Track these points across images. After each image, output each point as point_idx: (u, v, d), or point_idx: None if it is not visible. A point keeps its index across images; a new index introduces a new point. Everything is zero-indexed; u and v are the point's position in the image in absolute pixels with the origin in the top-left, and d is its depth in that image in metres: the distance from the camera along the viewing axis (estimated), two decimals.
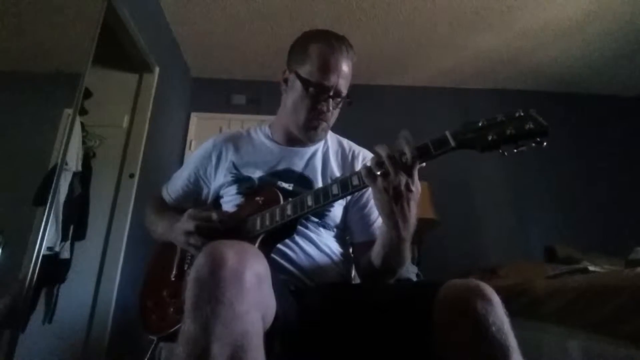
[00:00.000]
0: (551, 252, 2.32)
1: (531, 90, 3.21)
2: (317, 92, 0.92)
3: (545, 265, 2.11)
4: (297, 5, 2.38)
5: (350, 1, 2.34)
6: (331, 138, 1.09)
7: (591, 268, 1.65)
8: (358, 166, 1.01)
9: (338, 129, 1.10)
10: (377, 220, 0.96)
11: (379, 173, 0.71)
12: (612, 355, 1.15)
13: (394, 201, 0.72)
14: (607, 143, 3.08)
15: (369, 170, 0.73)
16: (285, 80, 1.00)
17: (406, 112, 3.16)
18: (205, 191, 1.07)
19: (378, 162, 0.71)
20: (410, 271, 2.16)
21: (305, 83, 0.92)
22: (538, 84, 3.14)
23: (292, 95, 0.96)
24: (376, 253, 0.85)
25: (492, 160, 2.75)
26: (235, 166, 1.01)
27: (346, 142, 1.10)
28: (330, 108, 0.94)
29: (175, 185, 1.12)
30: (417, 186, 0.73)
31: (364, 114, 2.85)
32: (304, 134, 0.97)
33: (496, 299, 0.62)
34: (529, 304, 1.53)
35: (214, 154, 1.04)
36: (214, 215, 0.85)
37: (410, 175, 0.71)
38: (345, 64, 0.93)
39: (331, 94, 0.92)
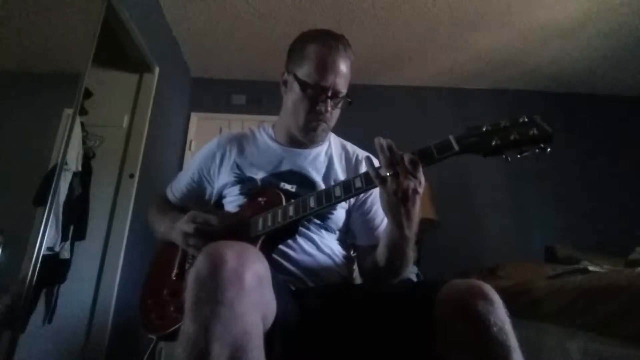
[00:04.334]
0: (551, 252, 2.33)
1: (531, 90, 3.21)
2: (316, 93, 0.92)
3: (545, 265, 2.11)
4: (297, 5, 2.38)
5: (350, 1, 2.34)
6: (334, 141, 1.09)
7: (591, 268, 1.65)
8: (362, 169, 1.01)
9: (338, 128, 1.10)
10: (381, 225, 0.96)
11: (389, 174, 0.71)
12: (612, 355, 1.15)
13: (401, 203, 0.72)
14: (607, 143, 3.08)
15: (378, 171, 0.72)
16: (285, 82, 1.00)
17: (406, 112, 3.16)
18: (209, 191, 1.07)
19: (388, 164, 0.71)
20: (410, 271, 2.16)
21: (303, 85, 0.92)
22: (538, 84, 3.14)
23: (291, 97, 0.96)
24: (380, 254, 0.85)
25: (493, 160, 2.75)
26: (238, 166, 1.01)
27: (350, 146, 1.10)
28: (329, 109, 0.93)
29: (179, 185, 1.12)
30: (422, 186, 0.73)
31: (364, 114, 2.85)
32: (304, 135, 0.97)
33: (497, 299, 0.62)
34: (529, 304, 1.53)
35: (218, 154, 1.04)
36: (213, 219, 0.85)
37: (417, 178, 0.71)
38: (343, 63, 0.92)
39: (329, 94, 0.92)
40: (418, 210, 0.75)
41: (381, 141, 0.72)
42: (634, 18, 2.36)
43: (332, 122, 0.99)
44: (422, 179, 0.72)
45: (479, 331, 0.58)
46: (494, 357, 0.56)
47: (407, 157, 0.70)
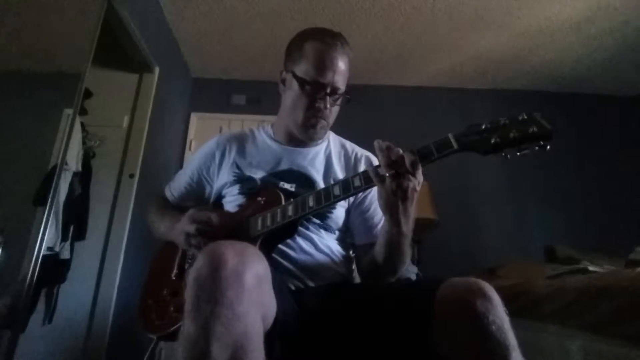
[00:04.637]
0: (551, 252, 2.32)
1: (531, 90, 3.20)
2: (314, 90, 0.92)
3: (545, 265, 2.11)
4: (297, 6, 2.38)
5: (350, 1, 2.34)
6: (333, 140, 1.09)
7: (591, 268, 1.65)
8: (361, 168, 1.01)
9: (338, 128, 1.10)
10: (380, 222, 0.96)
11: (388, 174, 0.71)
12: (612, 355, 1.15)
13: (400, 201, 0.72)
14: (607, 143, 3.08)
15: (377, 171, 0.73)
16: (283, 81, 1.00)
17: (406, 112, 3.16)
18: (208, 190, 1.07)
19: (388, 164, 0.70)
20: (410, 271, 2.16)
21: (302, 82, 0.92)
22: (538, 84, 3.14)
23: (290, 95, 0.96)
24: (378, 251, 0.85)
25: (493, 160, 2.75)
26: (237, 166, 1.01)
27: (349, 144, 1.10)
28: (328, 105, 0.93)
29: (178, 184, 1.12)
30: (420, 184, 0.73)
31: (364, 114, 2.85)
32: (304, 132, 0.97)
33: (496, 298, 0.62)
34: (529, 304, 1.53)
35: (217, 153, 1.04)
36: (214, 218, 0.85)
37: (417, 177, 0.71)
38: (341, 60, 0.92)
39: (328, 91, 0.92)
40: (415, 206, 0.76)
41: (380, 143, 0.72)
42: (634, 18, 2.36)
43: (331, 119, 0.99)
44: (421, 178, 0.72)
45: (478, 330, 0.58)
46: (493, 356, 0.57)
47: (407, 158, 0.70)
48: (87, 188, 2.06)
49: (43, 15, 1.55)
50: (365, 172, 0.76)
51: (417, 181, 0.71)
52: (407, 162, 0.69)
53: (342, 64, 0.92)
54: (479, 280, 0.65)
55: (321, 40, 0.92)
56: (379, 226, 0.96)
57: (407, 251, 0.83)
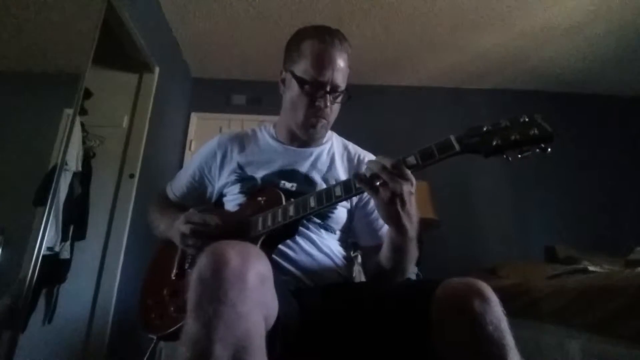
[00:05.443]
0: (551, 252, 2.33)
1: (531, 90, 3.21)
2: (313, 89, 0.91)
3: (545, 265, 2.11)
4: (297, 6, 2.38)
5: (351, 1, 2.34)
6: (336, 141, 1.09)
7: (591, 268, 1.65)
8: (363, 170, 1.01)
9: (338, 128, 1.10)
10: (385, 224, 0.96)
11: (378, 184, 0.71)
12: (612, 355, 1.15)
13: (400, 207, 0.71)
14: (607, 143, 3.08)
15: (368, 182, 0.72)
16: (283, 81, 1.00)
17: (406, 112, 3.16)
18: (209, 189, 1.07)
19: (373, 174, 0.71)
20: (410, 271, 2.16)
21: (301, 81, 0.91)
22: (538, 84, 3.14)
23: (290, 95, 0.96)
24: (385, 257, 0.85)
25: (493, 160, 2.74)
26: (239, 165, 1.00)
27: (352, 146, 1.10)
28: (328, 104, 0.92)
29: (179, 183, 1.11)
30: (414, 186, 0.72)
31: (364, 114, 2.85)
32: (304, 132, 0.97)
33: (494, 298, 0.62)
34: (529, 304, 1.53)
35: (219, 153, 1.04)
36: (211, 219, 0.84)
37: (408, 179, 0.70)
38: (340, 58, 0.91)
39: (328, 89, 0.91)
40: (415, 208, 0.75)
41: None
42: (634, 18, 2.36)
43: (332, 117, 0.98)
44: (413, 178, 0.71)
45: (475, 330, 0.58)
46: (490, 356, 0.57)
47: (388, 163, 0.69)
48: (87, 188, 2.06)
49: (43, 15, 1.55)
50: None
51: (410, 182, 0.71)
52: (389, 166, 0.69)
53: (341, 62, 0.91)
54: (477, 280, 0.65)
55: (319, 38, 0.91)
56: (384, 228, 0.95)
57: (415, 252, 0.83)
